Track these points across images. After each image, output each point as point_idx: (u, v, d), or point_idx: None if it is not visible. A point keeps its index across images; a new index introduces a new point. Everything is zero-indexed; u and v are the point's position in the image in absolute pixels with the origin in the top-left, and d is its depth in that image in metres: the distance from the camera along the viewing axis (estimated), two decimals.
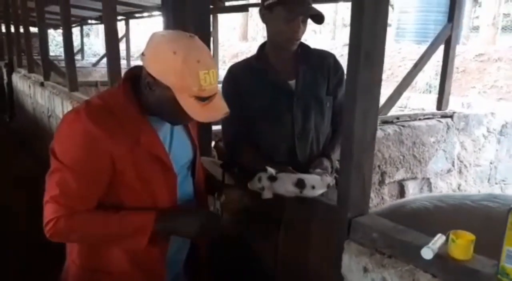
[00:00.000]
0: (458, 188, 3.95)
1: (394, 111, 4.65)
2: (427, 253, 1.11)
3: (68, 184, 1.15)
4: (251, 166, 1.78)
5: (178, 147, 1.34)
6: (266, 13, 1.65)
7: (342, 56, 13.72)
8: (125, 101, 1.21)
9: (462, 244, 1.09)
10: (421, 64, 3.51)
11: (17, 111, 8.14)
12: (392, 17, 15.32)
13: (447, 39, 3.60)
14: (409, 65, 5.51)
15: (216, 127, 2.31)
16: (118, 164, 1.19)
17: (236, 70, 1.79)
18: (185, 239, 1.45)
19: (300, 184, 1.46)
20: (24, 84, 7.17)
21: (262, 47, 1.80)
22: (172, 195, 1.31)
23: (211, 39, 6.90)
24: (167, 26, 2.18)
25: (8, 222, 3.95)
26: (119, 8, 8.44)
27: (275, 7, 1.59)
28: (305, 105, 1.72)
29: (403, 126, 3.33)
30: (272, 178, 1.47)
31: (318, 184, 1.49)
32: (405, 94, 8.52)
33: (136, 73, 1.26)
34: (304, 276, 1.64)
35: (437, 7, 12.63)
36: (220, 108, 1.21)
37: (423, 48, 3.55)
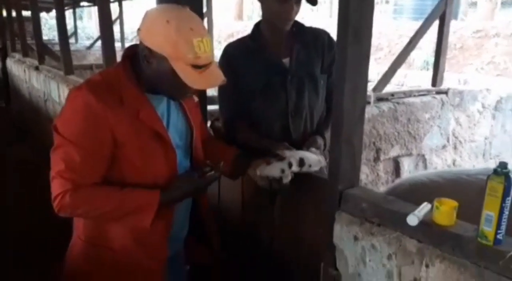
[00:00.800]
0: (453, 164, 4.01)
1: (390, 89, 4.69)
2: (412, 219, 1.15)
3: (72, 158, 1.18)
4: (248, 144, 1.83)
5: (174, 126, 1.37)
6: None
7: None
8: (125, 77, 1.24)
9: (445, 211, 1.14)
10: (415, 40, 3.52)
11: (13, 96, 8.12)
12: None
13: (441, 15, 3.61)
14: (403, 41, 5.48)
15: (211, 107, 2.35)
16: (118, 137, 1.21)
17: (231, 50, 1.81)
18: (186, 218, 1.50)
19: (301, 162, 1.50)
20: (19, 69, 7.14)
21: (257, 26, 1.81)
22: (172, 171, 1.34)
23: (205, 19, 6.85)
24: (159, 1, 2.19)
25: (8, 209, 4.01)
26: None
27: None
28: (299, 83, 1.74)
29: (397, 103, 3.36)
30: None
31: (314, 162, 1.54)
32: (402, 72, 8.53)
33: (134, 51, 1.28)
34: (299, 247, 1.70)
35: None
36: (217, 76, 1.23)
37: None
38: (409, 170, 3.60)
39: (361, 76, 1.34)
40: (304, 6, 1.69)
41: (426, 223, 1.17)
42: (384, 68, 4.01)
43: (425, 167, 3.70)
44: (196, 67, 1.16)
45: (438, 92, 3.72)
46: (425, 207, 1.21)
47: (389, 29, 11.59)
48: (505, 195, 1.02)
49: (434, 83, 3.76)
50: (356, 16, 1.27)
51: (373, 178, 3.35)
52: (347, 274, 1.40)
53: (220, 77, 1.24)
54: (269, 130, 1.77)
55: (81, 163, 1.19)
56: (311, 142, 1.70)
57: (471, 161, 4.13)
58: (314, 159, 1.54)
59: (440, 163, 3.82)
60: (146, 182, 1.28)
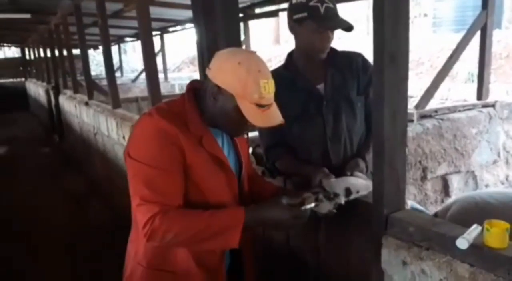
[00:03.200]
0: (506, 179, 3.83)
1: (434, 104, 4.58)
2: (462, 243, 1.13)
3: (153, 180, 1.21)
4: (288, 170, 1.86)
5: (228, 151, 1.44)
6: (295, 25, 1.70)
7: None
8: (189, 108, 1.32)
9: (496, 233, 1.11)
10: (456, 54, 3.45)
11: (66, 131, 8.58)
12: (428, 6, 14.97)
13: (482, 26, 3.53)
14: (448, 54, 5.35)
15: (252, 134, 2.40)
16: (187, 158, 1.27)
17: None
18: None
19: (347, 192, 1.48)
20: (70, 105, 7.55)
21: (290, 55, 1.86)
22: (234, 194, 1.39)
23: (244, 45, 7.00)
24: (200, 37, 2.29)
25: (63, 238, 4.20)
26: (154, 24, 8.75)
27: (305, 21, 1.65)
28: (335, 108, 1.76)
29: (442, 119, 3.28)
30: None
31: (362, 188, 1.52)
32: (446, 85, 8.33)
33: (195, 86, 1.37)
34: (346, 273, 1.68)
35: None
36: (276, 116, 1.31)
37: (461, 36, 3.48)
38: (458, 188, 3.48)
39: (400, 99, 1.34)
40: None
41: (477, 246, 1.14)
42: (426, 82, 3.93)
43: (476, 183, 3.56)
44: (260, 106, 1.24)
45: (485, 106, 3.60)
46: (475, 229, 1.17)
47: (429, 42, 11.40)
48: None
49: (479, 97, 3.65)
50: (392, 40, 1.28)
51: (421, 198, 3.26)
52: None
53: (279, 117, 1.31)
54: (308, 156, 1.79)
55: (163, 183, 1.22)
56: (353, 166, 1.69)
57: None
58: (362, 184, 1.52)
59: (492, 179, 3.66)
60: (210, 203, 1.32)
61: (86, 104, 6.06)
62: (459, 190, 3.47)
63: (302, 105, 1.77)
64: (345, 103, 1.78)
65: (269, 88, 1.25)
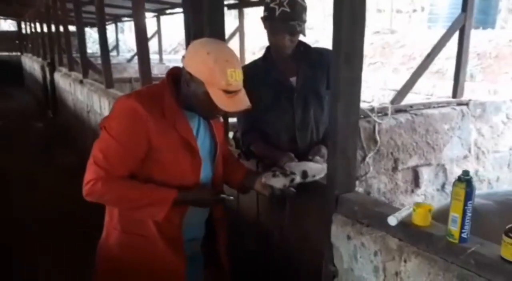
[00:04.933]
0: (476, 174, 4.05)
1: (419, 100, 4.74)
2: (391, 220, 1.33)
3: (111, 150, 1.41)
4: (259, 153, 2.05)
5: (202, 140, 1.59)
6: (263, 22, 1.90)
7: (372, 44, 13.36)
8: (166, 93, 1.48)
9: (421, 213, 1.31)
10: (433, 54, 3.64)
11: (60, 107, 8.70)
12: (426, 2, 15.06)
13: (461, 28, 3.70)
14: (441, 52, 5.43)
15: (232, 120, 2.58)
16: (154, 142, 1.44)
17: (246, 70, 2.04)
18: (202, 222, 1.70)
19: (304, 174, 1.68)
20: (65, 82, 7.67)
21: (268, 48, 2.04)
22: (196, 176, 1.56)
23: (238, 33, 7.09)
24: (187, 26, 2.46)
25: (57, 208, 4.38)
26: (151, 5, 8.83)
27: (265, 21, 1.85)
28: (305, 100, 1.95)
29: (416, 114, 3.47)
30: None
31: (318, 171, 1.72)
32: (432, 82, 8.51)
33: (175, 72, 1.53)
34: (305, 245, 1.88)
35: None
36: (243, 101, 1.46)
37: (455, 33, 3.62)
38: (429, 180, 3.69)
39: (353, 95, 1.53)
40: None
41: (406, 224, 1.34)
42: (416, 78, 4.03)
43: (446, 176, 3.77)
44: (227, 92, 1.39)
45: (459, 104, 3.79)
46: (406, 210, 1.38)
47: (423, 38, 11.55)
48: (467, 199, 1.19)
49: (454, 95, 3.84)
50: (348, 42, 1.47)
51: (392, 187, 3.47)
52: (343, 269, 1.58)
53: (246, 103, 1.46)
54: (278, 141, 1.98)
55: (116, 157, 1.41)
56: (315, 151, 1.89)
57: (495, 171, 4.15)
58: (318, 168, 1.72)
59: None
60: (172, 183, 1.50)
61: (81, 82, 6.19)
62: (429, 182, 3.69)
63: (275, 95, 1.96)
64: (314, 96, 1.97)
65: (236, 76, 1.39)
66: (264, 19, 1.86)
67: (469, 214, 1.20)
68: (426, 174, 3.65)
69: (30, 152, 6.61)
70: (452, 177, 3.82)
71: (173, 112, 1.47)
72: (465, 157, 3.88)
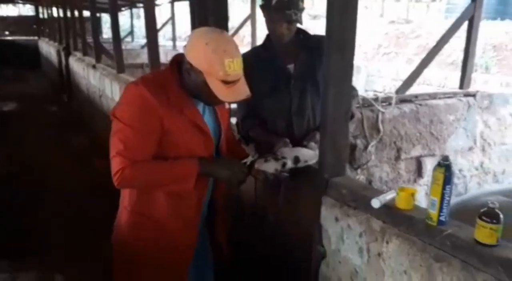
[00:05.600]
0: (481, 166, 4.05)
1: (426, 90, 4.72)
2: (375, 202, 1.38)
3: (129, 139, 1.45)
4: (257, 138, 2.11)
5: (208, 117, 1.63)
6: (261, 11, 1.94)
7: (387, 34, 13.20)
8: (171, 80, 1.52)
9: (404, 196, 1.36)
10: (440, 44, 3.62)
11: (74, 91, 8.86)
12: None
13: (470, 18, 3.68)
14: (455, 42, 5.30)
15: (233, 106, 2.64)
16: (166, 126, 1.49)
17: (246, 58, 2.09)
18: (207, 200, 1.75)
19: (296, 160, 1.74)
20: (79, 67, 7.80)
21: (268, 36, 2.08)
22: (209, 155, 1.60)
23: (249, 20, 7.11)
24: (193, 14, 2.51)
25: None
26: None
27: (262, 9, 1.90)
28: (302, 87, 1.99)
29: (420, 104, 3.48)
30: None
31: (310, 157, 1.78)
32: (444, 73, 8.42)
33: (180, 59, 1.54)
34: (298, 226, 1.95)
35: None
36: (242, 91, 1.48)
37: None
38: (432, 170, 3.71)
39: (344, 83, 1.57)
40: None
41: (390, 207, 1.40)
42: (430, 68, 4.01)
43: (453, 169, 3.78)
44: (226, 82, 1.41)
45: (466, 95, 3.78)
46: (390, 193, 1.43)
47: (439, 29, 11.41)
48: (445, 183, 1.23)
49: (461, 86, 3.83)
50: (340, 30, 1.51)
51: (394, 176, 3.49)
52: (330, 250, 1.64)
53: (245, 92, 1.48)
54: (275, 127, 2.03)
55: (136, 143, 1.45)
56: (310, 137, 1.94)
57: (501, 163, 4.14)
58: (310, 154, 1.77)
59: (466, 164, 3.88)
60: None
61: (94, 67, 6.30)
62: (432, 172, 3.70)
63: (273, 82, 2.00)
64: (312, 83, 2.01)
65: (234, 66, 1.39)
66: (262, 7, 1.91)
67: (448, 198, 1.24)
68: (429, 164, 3.66)
69: (45, 135, 6.78)
70: (457, 168, 3.83)
71: (178, 98, 1.51)
72: (470, 148, 3.87)
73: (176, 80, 1.52)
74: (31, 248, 3.40)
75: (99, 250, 3.23)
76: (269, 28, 1.94)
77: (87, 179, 4.75)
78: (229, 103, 1.69)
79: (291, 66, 2.00)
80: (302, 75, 1.98)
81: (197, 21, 2.41)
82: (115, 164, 1.47)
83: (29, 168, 5.25)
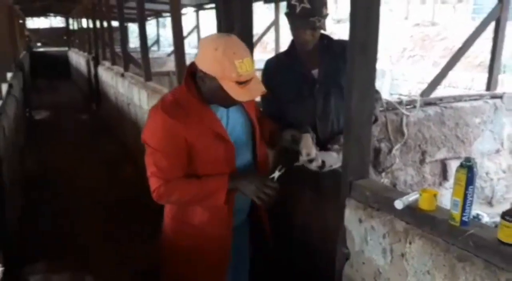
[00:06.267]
0: (509, 169, 3.98)
1: (458, 92, 4.66)
2: (398, 204, 1.41)
3: (160, 161, 1.57)
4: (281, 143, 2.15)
5: (234, 124, 1.69)
6: (286, 19, 2.00)
7: (412, 37, 13.05)
8: (188, 95, 1.59)
9: (426, 197, 1.38)
10: (466, 46, 3.59)
11: (103, 100, 9.12)
12: None
13: (497, 19, 3.64)
14: (483, 43, 5.19)
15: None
16: (189, 140, 1.57)
17: (269, 65, 2.16)
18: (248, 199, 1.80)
19: (322, 165, 1.80)
20: (108, 76, 8.04)
21: (292, 42, 2.13)
22: (231, 163, 1.66)
23: (273, 27, 7.17)
24: (219, 21, 2.59)
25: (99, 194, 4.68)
26: (191, 0, 9.07)
27: (287, 16, 1.96)
28: (326, 91, 2.03)
29: (445, 107, 3.46)
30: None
31: (335, 161, 1.82)
32: (471, 75, 8.27)
33: (193, 69, 1.60)
34: (323, 226, 1.98)
35: None
36: (257, 89, 1.53)
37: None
38: None
39: (367, 86, 1.61)
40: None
41: (413, 208, 1.42)
42: (456, 70, 3.98)
43: (476, 170, 3.73)
44: (240, 83, 1.46)
45: (492, 97, 3.73)
46: (414, 195, 1.45)
47: (466, 30, 11.21)
48: (468, 184, 1.25)
49: (488, 88, 3.78)
50: (363, 33, 1.55)
51: (419, 179, 3.47)
52: (354, 251, 1.67)
53: (259, 89, 1.53)
54: None
55: (167, 165, 1.57)
56: (335, 141, 1.98)
57: None
58: (334, 159, 1.82)
59: (493, 167, 3.82)
60: (212, 172, 1.62)
61: (122, 75, 6.49)
62: (454, 173, 3.66)
63: (297, 86, 2.05)
64: (336, 88, 2.05)
65: (245, 66, 1.44)
66: (287, 15, 1.96)
67: (470, 199, 1.26)
68: (454, 167, 3.60)
69: (75, 143, 7.01)
70: (483, 171, 3.78)
71: (198, 111, 1.57)
72: (497, 151, 3.81)
73: (192, 93, 1.58)
74: (67, 249, 3.55)
75: (130, 252, 3.37)
76: (293, 34, 2.00)
77: (117, 183, 4.91)
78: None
79: (315, 72, 2.05)
80: (326, 79, 2.03)
81: (223, 30, 2.48)
82: (152, 183, 1.60)
83: (61, 172, 5.45)
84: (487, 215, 3.59)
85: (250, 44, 2.22)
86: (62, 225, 3.97)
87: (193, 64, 1.60)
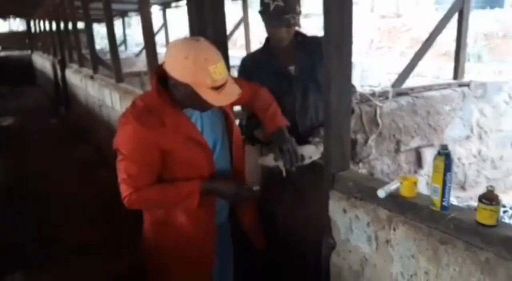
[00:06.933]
0: (479, 154, 4.14)
1: (428, 82, 4.79)
2: (380, 193, 1.46)
3: (130, 169, 1.55)
4: (263, 140, 2.18)
5: (209, 125, 1.69)
6: (260, 16, 2.02)
7: (379, 29, 13.29)
8: (160, 101, 1.54)
9: (407, 185, 1.44)
10: (432, 37, 3.71)
11: (72, 103, 8.92)
12: None
13: (460, 10, 3.77)
14: (447, 33, 5.34)
15: (237, 108, 2.71)
16: (165, 148, 1.55)
17: (246, 62, 2.18)
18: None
19: (301, 157, 1.81)
20: (76, 78, 7.86)
21: (267, 40, 2.15)
22: (211, 167, 1.67)
23: (242, 23, 7.18)
24: (191, 23, 2.58)
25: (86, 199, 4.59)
26: None
27: (260, 14, 1.98)
28: (304, 87, 2.07)
29: (416, 97, 3.57)
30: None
31: (314, 153, 1.86)
32: (439, 64, 8.52)
33: (162, 72, 1.54)
34: (306, 219, 2.03)
35: None
36: (233, 92, 1.51)
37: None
38: (432, 160, 3.79)
39: (344, 79, 1.65)
40: None
41: (394, 196, 1.48)
42: (423, 60, 4.09)
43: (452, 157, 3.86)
44: (215, 88, 1.44)
45: (460, 85, 3.87)
46: (395, 183, 1.50)
47: (430, 21, 11.52)
48: (446, 170, 1.31)
49: (455, 76, 3.92)
50: (337, 31, 1.58)
51: (395, 168, 3.58)
52: (340, 240, 1.72)
53: (235, 92, 1.52)
54: None
55: (137, 172, 1.55)
56: (315, 134, 2.01)
57: (499, 150, 4.23)
58: (313, 150, 1.86)
59: (464, 153, 3.97)
60: (192, 176, 1.63)
61: (92, 78, 6.36)
62: (432, 162, 3.79)
63: (275, 84, 2.07)
64: (312, 83, 2.09)
65: (218, 71, 1.42)
66: (260, 13, 1.98)
67: (449, 185, 1.32)
68: (428, 155, 3.75)
69: (45, 148, 6.84)
70: (455, 157, 3.92)
71: (172, 117, 1.55)
72: (468, 137, 3.96)
73: (164, 98, 1.54)
74: (46, 258, 3.47)
75: (112, 257, 3.33)
76: (268, 32, 2.02)
77: (89, 188, 4.82)
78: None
79: (291, 68, 2.08)
80: (303, 75, 2.06)
81: (196, 31, 2.47)
82: (122, 190, 1.58)
83: (32, 179, 5.32)
84: (460, 200, 3.74)
85: (224, 45, 2.23)
86: (38, 234, 3.88)
87: (160, 68, 1.55)
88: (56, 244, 3.66)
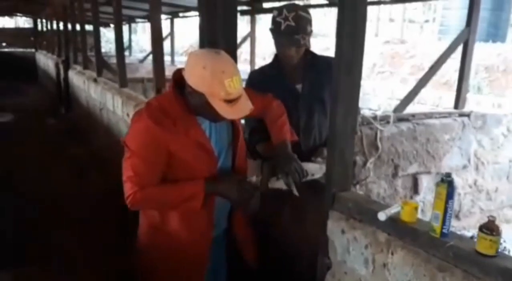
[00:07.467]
0: (475, 184, 4.16)
1: (429, 109, 4.84)
2: (381, 215, 1.47)
3: (138, 166, 1.56)
4: (266, 155, 2.19)
5: (217, 133, 1.71)
6: (271, 34, 2.05)
7: (382, 54, 13.41)
8: (175, 103, 1.59)
9: (407, 210, 1.45)
10: (436, 66, 3.76)
11: (73, 104, 8.91)
12: (438, 13, 15.17)
13: (465, 42, 3.83)
14: (449, 63, 5.44)
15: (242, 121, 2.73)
16: (172, 149, 1.58)
17: (254, 76, 2.20)
18: (226, 213, 1.83)
19: (306, 173, 1.83)
20: (79, 80, 7.88)
21: (276, 56, 2.18)
22: (212, 172, 1.68)
23: (249, 38, 7.25)
24: (202, 31, 2.61)
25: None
26: (165, 8, 9.03)
27: (272, 32, 2.01)
28: (310, 106, 2.09)
29: (417, 123, 3.60)
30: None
31: (316, 171, 1.87)
32: (439, 93, 8.60)
33: (178, 77, 1.59)
34: (302, 238, 2.02)
35: (483, 4, 12.40)
36: (245, 107, 1.54)
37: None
38: (428, 187, 3.81)
39: (352, 101, 1.67)
40: None
41: (395, 220, 1.48)
42: (426, 89, 4.15)
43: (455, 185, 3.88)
44: (228, 101, 1.48)
45: (461, 115, 3.91)
46: (396, 207, 1.51)
47: (433, 49, 11.66)
48: (448, 198, 1.32)
49: (456, 106, 3.96)
50: (348, 54, 1.61)
51: (391, 192, 3.58)
52: (336, 261, 1.72)
53: (247, 107, 1.54)
54: None
55: (144, 170, 1.57)
56: (318, 154, 2.03)
57: (494, 182, 4.25)
58: (316, 168, 1.87)
59: (461, 182, 3.99)
60: (192, 178, 1.63)
61: (95, 80, 6.38)
62: (428, 189, 3.80)
63: (281, 99, 2.09)
64: (319, 103, 2.11)
65: (234, 84, 1.45)
66: (271, 31, 2.01)
67: (450, 212, 1.33)
68: (425, 181, 3.76)
69: (42, 147, 6.80)
70: None
71: (183, 120, 1.58)
72: (465, 167, 3.98)
73: (179, 102, 1.58)
74: (31, 256, 3.44)
75: (98, 259, 3.29)
76: (278, 50, 2.05)
77: (85, 188, 4.79)
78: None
79: (299, 86, 2.10)
80: (310, 94, 2.08)
81: (206, 39, 2.50)
82: (127, 188, 1.58)
83: (27, 177, 5.28)
84: (453, 228, 3.74)
85: (234, 57, 2.26)
86: (27, 234, 3.84)
87: (178, 73, 1.60)
88: (46, 244, 3.63)
